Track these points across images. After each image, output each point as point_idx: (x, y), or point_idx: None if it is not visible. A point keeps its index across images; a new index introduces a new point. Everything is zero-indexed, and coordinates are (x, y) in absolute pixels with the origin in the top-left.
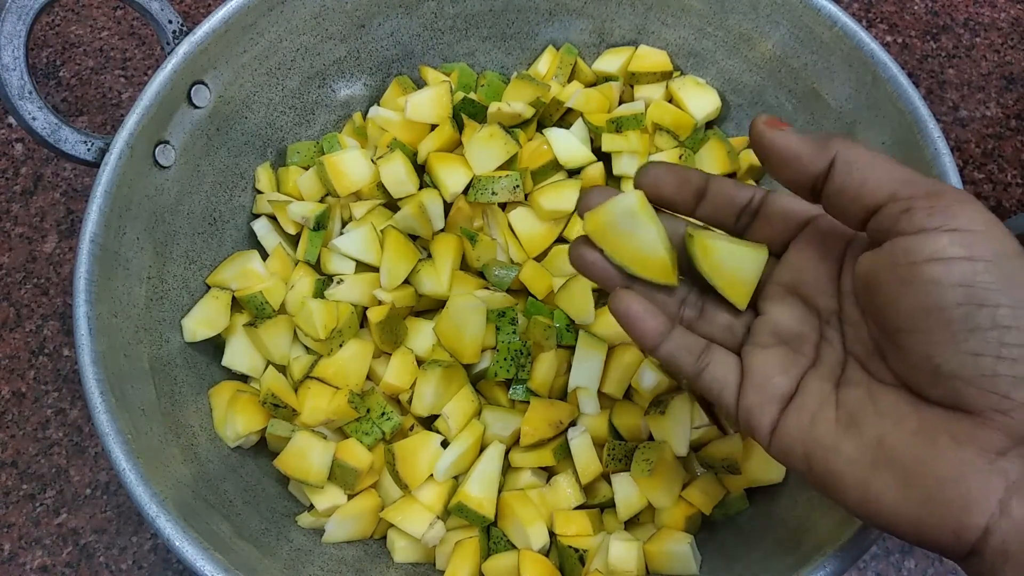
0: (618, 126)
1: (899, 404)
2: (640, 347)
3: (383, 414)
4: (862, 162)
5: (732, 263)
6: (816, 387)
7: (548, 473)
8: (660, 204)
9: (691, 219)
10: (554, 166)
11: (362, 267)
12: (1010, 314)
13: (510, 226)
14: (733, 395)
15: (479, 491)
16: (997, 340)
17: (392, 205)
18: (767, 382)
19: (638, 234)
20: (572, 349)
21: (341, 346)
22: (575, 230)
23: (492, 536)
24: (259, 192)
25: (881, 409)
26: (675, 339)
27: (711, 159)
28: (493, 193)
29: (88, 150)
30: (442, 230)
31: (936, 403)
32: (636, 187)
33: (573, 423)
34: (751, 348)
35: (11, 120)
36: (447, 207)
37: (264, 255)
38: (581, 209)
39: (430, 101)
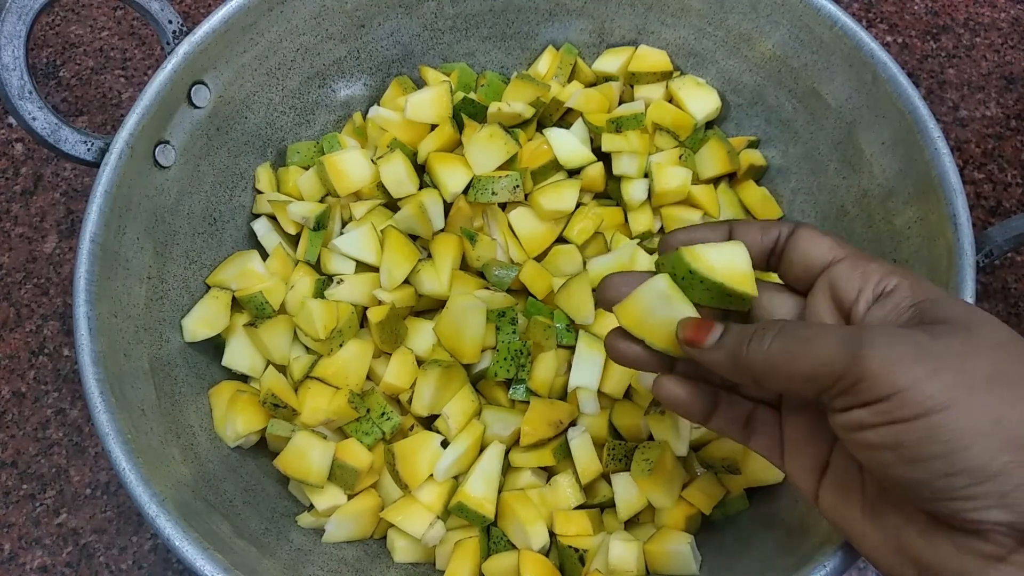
0: (618, 126)
1: (906, 501)
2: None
3: (383, 414)
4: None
5: (723, 260)
6: (845, 461)
7: (548, 473)
8: None
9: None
10: (554, 166)
11: (362, 267)
12: (945, 463)
13: (510, 226)
14: (780, 461)
15: (479, 491)
16: (946, 487)
17: (392, 205)
18: (800, 450)
19: (676, 316)
20: (572, 349)
21: (341, 346)
22: (575, 230)
23: (492, 536)
24: (259, 192)
25: (894, 501)
26: (721, 415)
27: (711, 159)
28: (493, 193)
29: (88, 150)
30: (442, 230)
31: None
32: (665, 258)
33: (573, 423)
34: (786, 410)
35: (11, 120)
36: (447, 207)
37: (264, 255)
38: (606, 302)
39: (430, 101)
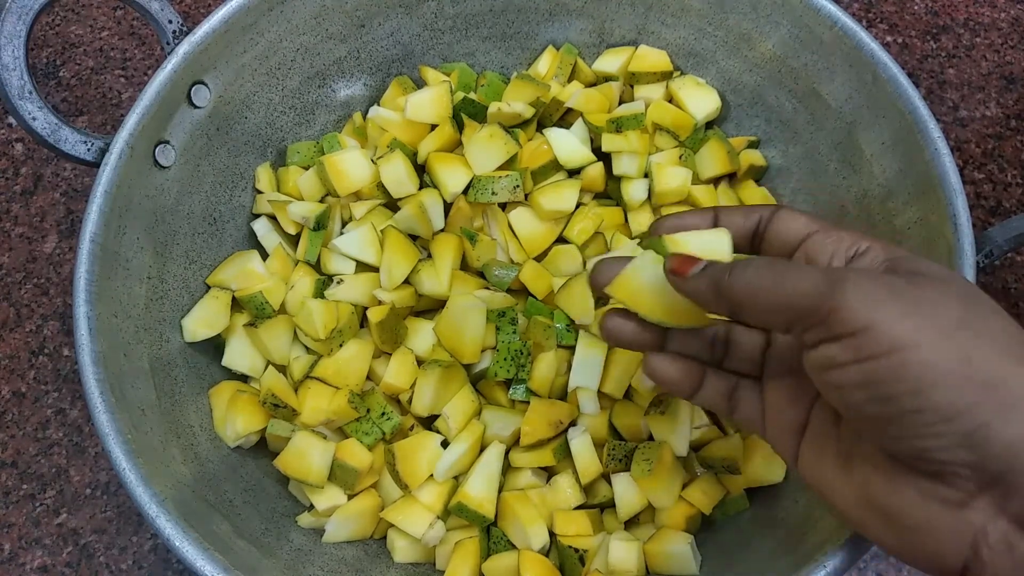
0: (618, 126)
1: (874, 450)
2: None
3: (383, 414)
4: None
5: (703, 246)
6: (821, 419)
7: (548, 473)
8: None
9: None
10: (554, 166)
11: (362, 267)
12: (913, 400)
13: (510, 226)
14: (762, 429)
15: (479, 491)
16: (913, 424)
17: (392, 205)
18: (780, 415)
19: (668, 287)
20: (572, 349)
21: (341, 346)
22: (575, 230)
23: (492, 536)
24: (259, 192)
25: (863, 452)
26: (708, 388)
27: (711, 159)
28: (493, 193)
29: (88, 150)
30: (442, 230)
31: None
32: (649, 242)
33: (573, 423)
34: (767, 379)
35: (11, 120)
36: (447, 207)
37: (264, 255)
38: (599, 283)
39: (430, 101)
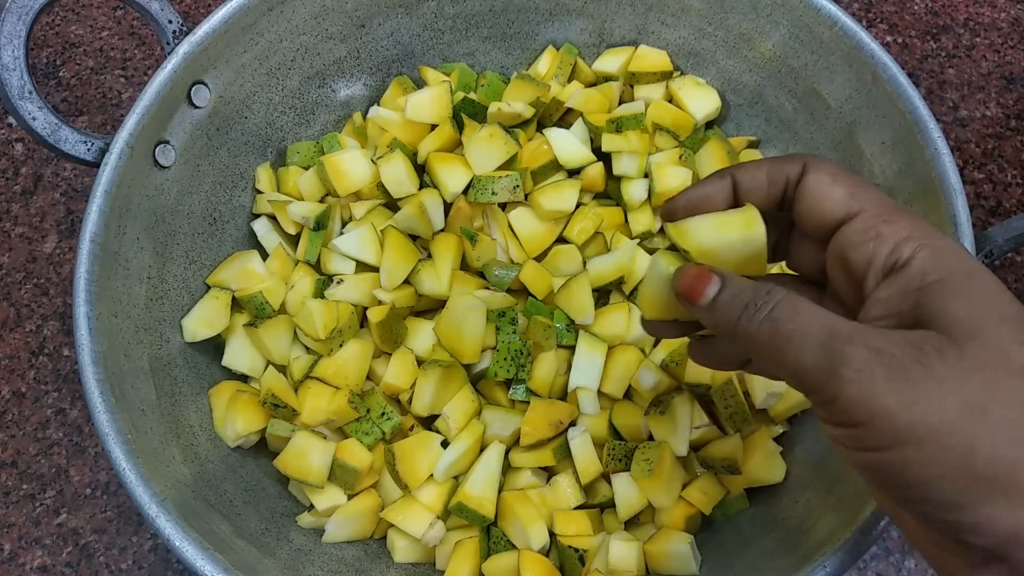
0: (618, 126)
1: None
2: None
3: (383, 414)
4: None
5: (724, 239)
6: None
7: (548, 473)
8: None
9: None
10: (554, 166)
11: (362, 267)
12: (916, 493)
13: (510, 226)
14: None
15: (479, 491)
16: (920, 509)
17: (392, 205)
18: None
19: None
20: (572, 349)
21: (341, 346)
22: (575, 230)
23: (492, 536)
24: (259, 192)
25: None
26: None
27: (711, 159)
28: (493, 193)
29: (88, 150)
30: (442, 230)
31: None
32: (669, 218)
33: (573, 423)
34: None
35: (11, 120)
36: (447, 207)
37: (264, 255)
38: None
39: (430, 101)
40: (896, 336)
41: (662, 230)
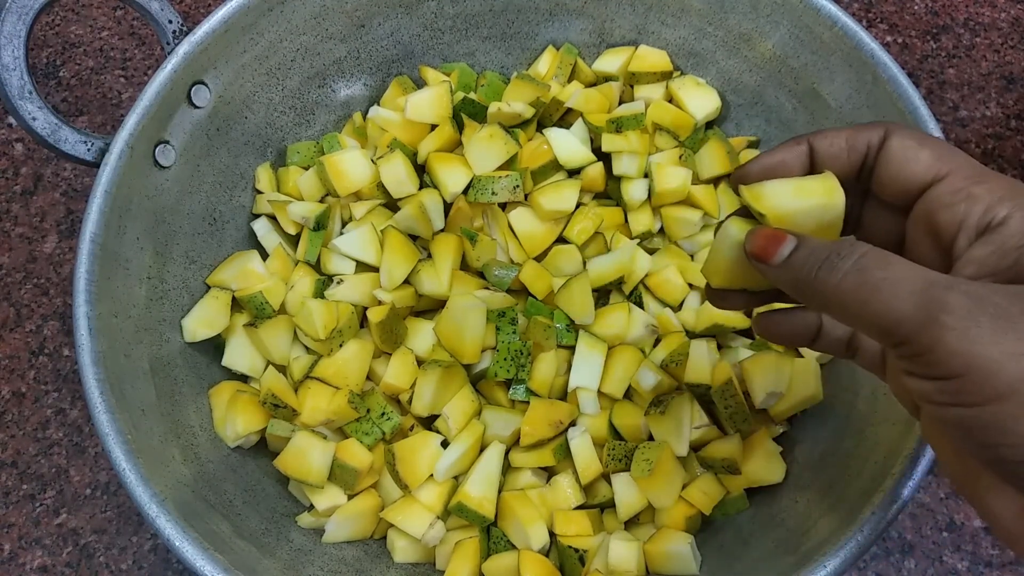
0: (618, 126)
1: None
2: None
3: (383, 414)
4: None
5: (801, 208)
6: None
7: (548, 473)
8: None
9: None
10: (554, 166)
11: (362, 267)
12: (1014, 453)
13: (510, 226)
14: (883, 374)
15: (479, 491)
16: (1014, 471)
17: (392, 205)
18: None
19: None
20: (572, 349)
21: (341, 346)
22: (575, 230)
23: (492, 536)
24: (259, 192)
25: None
26: (824, 337)
27: (711, 159)
28: (493, 193)
29: (88, 150)
30: (442, 230)
31: None
32: (742, 181)
33: (573, 423)
34: None
35: (11, 120)
36: (447, 207)
37: (264, 255)
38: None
39: (430, 101)
40: (998, 288)
41: (662, 230)
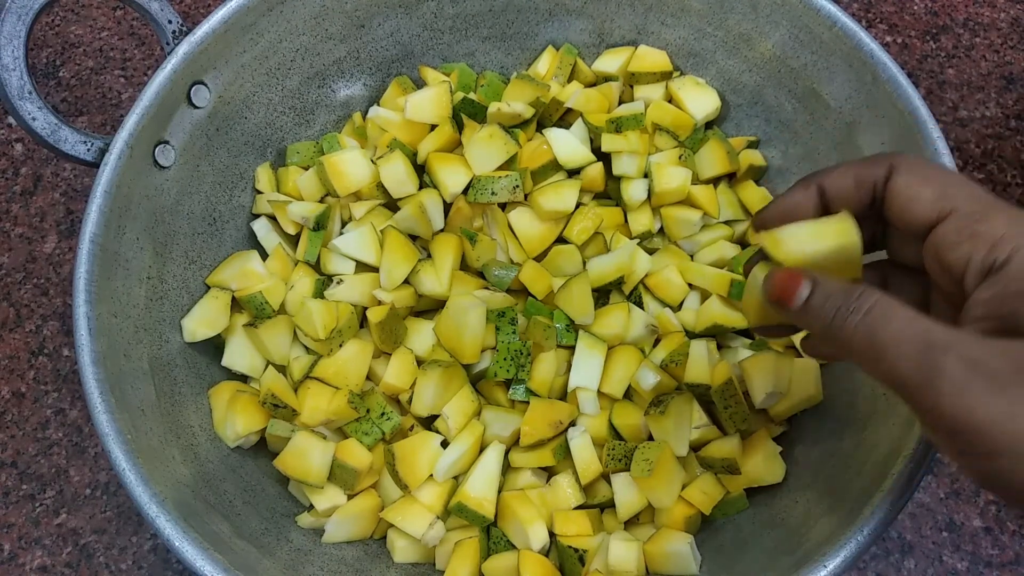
0: (618, 126)
1: None
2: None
3: (383, 414)
4: None
5: (819, 247)
6: None
7: (548, 473)
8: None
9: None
10: (554, 166)
11: (362, 267)
12: (1019, 497)
13: (510, 226)
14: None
15: (479, 491)
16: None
17: (392, 205)
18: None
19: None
20: (572, 349)
21: (341, 346)
22: (575, 230)
23: (492, 536)
24: (259, 192)
25: None
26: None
27: (711, 159)
28: (493, 193)
29: (88, 150)
30: (442, 230)
31: None
32: (762, 228)
33: (573, 423)
34: None
35: (11, 120)
36: (447, 207)
37: (264, 255)
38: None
39: (430, 101)
40: (994, 347)
41: (662, 230)
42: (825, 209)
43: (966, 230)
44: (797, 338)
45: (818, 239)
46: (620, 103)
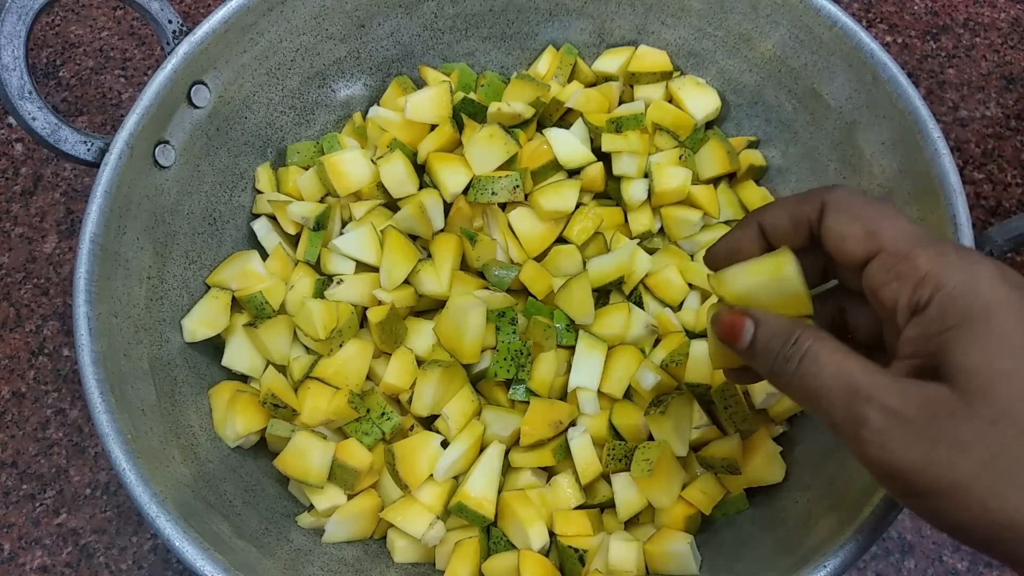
0: (618, 126)
1: None
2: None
3: (383, 414)
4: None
5: (760, 284)
6: None
7: (548, 473)
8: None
9: None
10: (554, 166)
11: (362, 267)
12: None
13: (510, 226)
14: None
15: (479, 491)
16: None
17: (392, 205)
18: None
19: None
20: (572, 349)
21: (341, 346)
22: (575, 230)
23: (492, 536)
24: (259, 192)
25: None
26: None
27: (711, 159)
28: (493, 193)
29: (88, 150)
30: (442, 230)
31: None
32: (711, 268)
33: (573, 423)
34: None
35: (11, 120)
36: (447, 207)
37: (264, 255)
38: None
39: (430, 101)
40: (914, 394)
41: (662, 230)
42: (770, 246)
43: (892, 270)
44: None
45: (755, 276)
46: (620, 103)
